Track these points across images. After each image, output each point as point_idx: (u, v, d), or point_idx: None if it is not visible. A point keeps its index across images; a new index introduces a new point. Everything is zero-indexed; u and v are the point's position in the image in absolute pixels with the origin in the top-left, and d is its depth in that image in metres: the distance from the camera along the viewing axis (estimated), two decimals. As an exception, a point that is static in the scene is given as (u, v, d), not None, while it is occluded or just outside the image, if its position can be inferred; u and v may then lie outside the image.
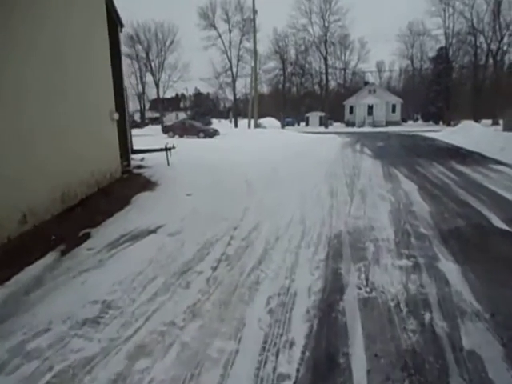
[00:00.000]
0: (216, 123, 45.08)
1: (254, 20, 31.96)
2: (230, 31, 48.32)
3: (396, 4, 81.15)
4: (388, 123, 45.39)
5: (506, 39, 42.96)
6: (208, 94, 62.06)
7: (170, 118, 54.64)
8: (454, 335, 2.67)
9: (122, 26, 10.01)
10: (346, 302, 3.17)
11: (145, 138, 24.94)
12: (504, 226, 5.01)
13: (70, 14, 6.43)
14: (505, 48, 43.92)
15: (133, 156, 12.21)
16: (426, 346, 2.55)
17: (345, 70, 57.46)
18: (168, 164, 10.80)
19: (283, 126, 43.14)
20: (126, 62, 51.13)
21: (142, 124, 53.08)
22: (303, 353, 2.51)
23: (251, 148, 16.01)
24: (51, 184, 5.59)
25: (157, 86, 54.38)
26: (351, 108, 49.11)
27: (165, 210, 6.37)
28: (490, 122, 36.72)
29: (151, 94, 58.45)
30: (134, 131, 36.76)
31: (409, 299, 3.18)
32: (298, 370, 2.34)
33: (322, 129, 42.74)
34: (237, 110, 50.18)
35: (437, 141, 19.93)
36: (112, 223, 5.75)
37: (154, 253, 4.42)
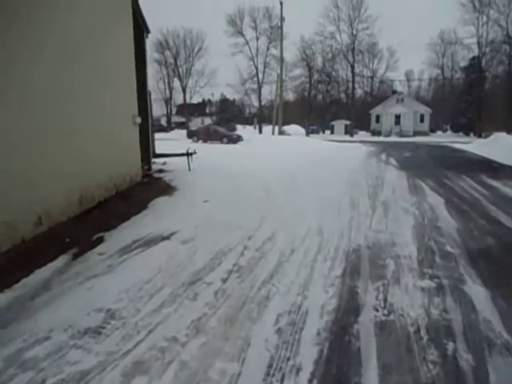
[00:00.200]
0: (241, 129, 45.20)
1: (281, 27, 32.00)
2: (258, 38, 48.60)
3: (427, 13, 79.71)
4: (415, 133, 44.28)
5: (543, 49, 41.30)
6: (234, 100, 62.44)
7: (196, 123, 55.24)
8: (481, 370, 2.41)
9: (148, 31, 10.10)
10: (361, 324, 2.95)
11: (169, 142, 25.19)
12: (539, 248, 4.65)
13: (88, 19, 6.45)
14: (542, 58, 42.21)
15: (155, 160, 12.29)
16: (447, 381, 2.31)
17: (372, 78, 56.69)
18: (189, 169, 10.78)
19: (308, 134, 42.83)
20: (154, 68, 52.36)
21: (168, 128, 53.84)
22: (310, 381, 2.31)
23: (273, 155, 15.86)
24: (68, 186, 5.61)
25: (184, 91, 55.29)
26: (378, 117, 48.25)
27: (181, 216, 6.28)
28: (524, 134, 35.22)
29: (178, 99, 59.45)
30: (160, 135, 37.44)
31: (430, 325, 2.92)
32: (303, 401, 2.15)
33: (347, 137, 42.13)
34: (262, 117, 50.22)
35: (467, 152, 19.21)
36: (127, 227, 5.71)
37: (164, 260, 4.31)
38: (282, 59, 33.70)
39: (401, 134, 43.81)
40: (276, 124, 35.24)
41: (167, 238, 5.16)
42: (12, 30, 4.57)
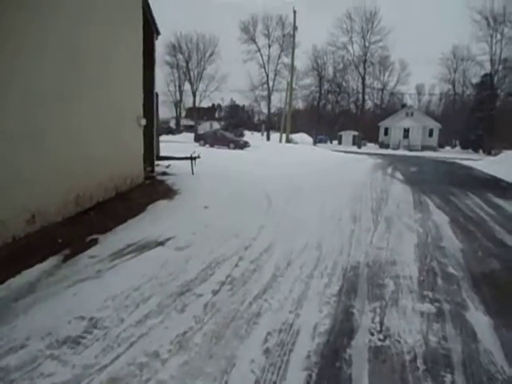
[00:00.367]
0: (249, 135, 45.18)
1: (293, 36, 32.06)
2: (270, 46, 48.76)
3: (440, 28, 79.65)
4: (424, 148, 43.96)
5: (556, 69, 40.92)
6: (243, 106, 62.60)
7: (205, 127, 55.33)
8: (479, 408, 2.24)
9: (158, 33, 10.08)
10: (355, 349, 2.79)
11: (177, 144, 25.19)
12: (546, 274, 4.45)
13: (90, 15, 6.34)
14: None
15: (159, 162, 12.22)
16: (443, 419, 2.14)
17: (383, 90, 56.49)
18: (192, 173, 10.69)
19: (315, 143, 42.70)
20: (166, 70, 52.69)
21: (177, 131, 54.04)
22: (295, 410, 2.16)
23: (279, 162, 15.74)
24: (64, 185, 5.51)
25: (194, 94, 55.50)
26: (386, 130, 48.00)
27: (178, 221, 6.17)
28: (534, 154, 34.75)
29: (188, 102, 59.67)
30: (168, 137, 37.57)
31: (428, 354, 2.75)
32: (285, 433, 2.00)
33: (355, 148, 41.91)
34: (270, 124, 50.22)
35: (475, 170, 18.94)
36: (122, 230, 5.60)
37: (156, 268, 4.18)
38: (292, 67, 33.73)
39: (409, 148, 43.51)
40: (284, 132, 35.18)
41: (162, 243, 5.03)
42: (16, 28, 4.53)
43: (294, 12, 32.73)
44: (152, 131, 10.24)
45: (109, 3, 6.99)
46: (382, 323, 3.16)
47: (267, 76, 48.94)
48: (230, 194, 8.48)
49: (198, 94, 55.59)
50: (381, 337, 2.96)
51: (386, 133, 48.02)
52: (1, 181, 4.24)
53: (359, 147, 44.71)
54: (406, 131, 45.90)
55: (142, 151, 9.06)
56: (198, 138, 30.85)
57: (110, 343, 2.72)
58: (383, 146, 46.52)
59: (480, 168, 19.47)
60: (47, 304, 3.24)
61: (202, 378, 2.36)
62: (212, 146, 28.04)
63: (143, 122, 8.77)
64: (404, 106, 51.47)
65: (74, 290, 3.52)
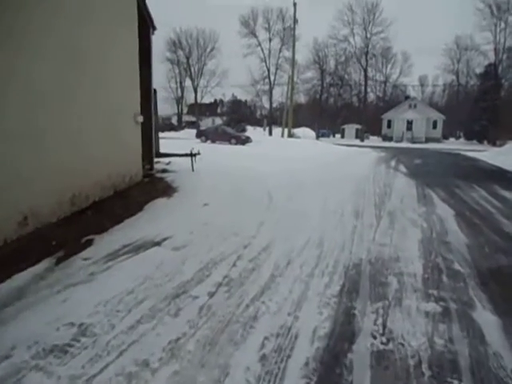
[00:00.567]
0: (251, 130, 44.95)
1: (294, 29, 31.74)
2: (270, 40, 48.48)
3: (443, 18, 78.63)
4: (428, 140, 43.56)
5: (562, 57, 40.30)
6: (246, 101, 62.30)
7: (207, 123, 55.17)
8: (489, 418, 2.10)
9: (154, 28, 9.90)
10: (356, 353, 2.65)
11: (178, 141, 25.06)
12: (556, 270, 4.28)
13: (89, 13, 6.25)
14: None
15: (159, 160, 12.09)
16: (450, 431, 2.00)
17: (385, 82, 56.03)
18: (192, 170, 10.56)
19: (317, 137, 42.43)
20: (166, 67, 52.46)
21: (179, 127, 53.88)
22: (291, 424, 2.02)
23: (281, 157, 15.56)
24: (59, 185, 5.39)
25: (195, 91, 55.35)
26: (389, 122, 47.60)
27: (176, 220, 6.04)
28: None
29: (189, 98, 59.47)
30: (170, 134, 37.38)
31: (433, 358, 2.61)
32: None
33: (358, 142, 41.60)
34: (272, 119, 49.97)
35: (480, 161, 18.67)
36: (119, 230, 5.48)
37: (151, 269, 4.05)
38: (293, 61, 33.43)
39: (412, 140, 43.13)
40: (286, 126, 34.93)
41: (159, 243, 4.91)
42: (16, 28, 4.49)
43: (295, 4, 32.39)
44: (151, 128, 10.09)
45: (106, 1, 6.85)
46: (384, 325, 3.01)
47: (268, 70, 48.72)
48: (230, 191, 8.34)
49: (199, 89, 55.49)
50: (383, 340, 2.82)
51: (388, 125, 47.62)
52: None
53: (362, 140, 44.38)
54: (410, 123, 45.48)
55: (141, 149, 8.92)
56: (199, 134, 30.66)
57: (99, 352, 2.59)
58: (386, 138, 46.16)
59: (485, 159, 19.20)
60: (36, 310, 3.12)
61: (193, 390, 2.23)
62: (214, 141, 27.87)
63: (140, 119, 8.62)
64: (407, 97, 50.96)
65: (64, 295, 3.40)
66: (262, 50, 48.50)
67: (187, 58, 54.62)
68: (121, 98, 7.61)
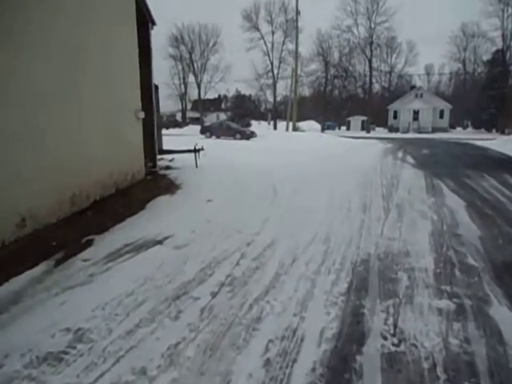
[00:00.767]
0: (256, 125, 44.65)
1: (296, 20, 31.33)
2: (273, 33, 47.84)
3: (448, 4, 77.30)
4: (435, 129, 42.91)
5: None
6: (250, 95, 61.88)
7: (211, 119, 54.93)
8: (512, 427, 1.94)
9: (153, 23, 9.73)
10: (366, 356, 2.50)
11: (182, 137, 24.97)
12: None
13: (89, 11, 6.14)
14: None
15: (163, 156, 11.99)
16: None
17: (390, 73, 55.16)
18: (196, 166, 10.43)
19: (323, 130, 42.05)
20: (170, 63, 52.26)
21: (183, 124, 53.72)
22: None
23: (286, 151, 15.38)
24: (59, 184, 5.29)
25: (198, 86, 55.00)
26: (395, 113, 46.97)
27: (179, 218, 5.92)
28: (550, 131, 33.66)
29: (193, 94, 59.19)
30: (175, 130, 37.22)
31: (448, 360, 2.45)
32: None
33: (364, 134, 41.16)
34: (277, 112, 49.58)
35: (489, 150, 18.28)
36: (120, 229, 5.37)
37: (152, 269, 3.93)
38: (297, 53, 33.02)
39: (419, 131, 42.55)
40: (290, 120, 34.63)
41: (160, 242, 4.79)
42: (16, 28, 4.46)
43: (296, -4, 31.90)
44: (152, 125, 9.95)
45: (105, 0, 6.73)
46: (395, 325, 2.86)
47: (272, 64, 48.15)
48: (234, 186, 8.20)
49: (202, 85, 55.12)
50: (395, 341, 2.66)
51: (395, 116, 47.01)
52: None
53: (368, 132, 43.91)
54: (416, 113, 44.85)
55: (142, 146, 8.80)
56: (204, 130, 30.49)
57: (95, 359, 2.47)
58: (392, 129, 45.57)
59: (494, 148, 18.80)
60: (32, 315, 3.01)
61: (192, 400, 2.10)
62: (218, 137, 27.72)
63: (141, 114, 8.50)
64: (413, 87, 50.19)
65: (62, 298, 3.29)
66: (265, 43, 47.95)
67: (190, 54, 54.25)
68: (121, 95, 7.49)
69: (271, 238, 4.88)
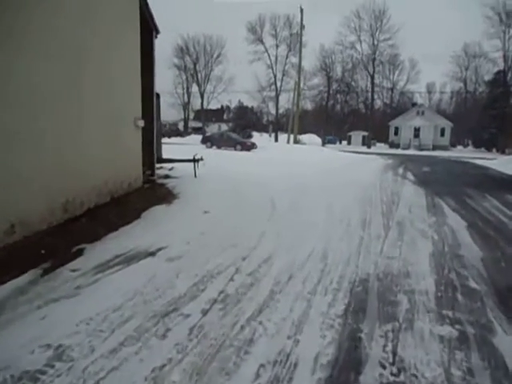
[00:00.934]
0: (257, 136, 44.75)
1: (300, 34, 31.62)
2: (277, 46, 48.36)
3: (451, 25, 78.30)
4: (435, 147, 42.97)
5: None
6: (252, 107, 62.21)
7: (212, 129, 55.10)
8: None
9: (157, 31, 9.72)
10: (363, 386, 2.34)
11: (183, 147, 24.90)
12: None
13: (91, 12, 6.09)
14: None
15: (162, 165, 11.88)
16: None
17: (392, 89, 55.58)
18: (195, 176, 10.33)
19: (324, 144, 42.11)
20: (174, 73, 52.64)
21: (185, 133, 53.85)
22: None
23: (286, 163, 15.30)
24: (51, 191, 5.15)
25: (202, 96, 55.36)
26: (396, 129, 47.11)
27: (174, 228, 5.77)
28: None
29: (196, 104, 59.51)
30: (176, 139, 37.22)
31: (451, 394, 2.29)
32: None
33: (364, 149, 41.17)
34: (278, 125, 49.77)
35: (490, 170, 18.23)
36: (112, 239, 5.22)
37: (142, 282, 3.78)
38: (300, 67, 33.27)
39: (420, 148, 42.60)
40: (292, 133, 34.70)
41: (153, 254, 4.64)
42: (16, 28, 4.40)
43: (301, 10, 32.31)
44: (152, 133, 9.86)
45: (107, 2, 6.69)
46: (394, 352, 2.70)
47: (275, 76, 48.56)
48: (232, 197, 8.08)
49: (205, 95, 55.52)
50: (394, 370, 2.50)
51: (396, 132, 47.13)
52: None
53: (369, 147, 43.95)
54: (417, 130, 44.96)
55: (141, 153, 8.70)
56: (205, 140, 30.49)
57: (74, 380, 2.31)
58: (393, 145, 45.66)
59: (495, 167, 18.76)
60: (11, 330, 2.85)
61: (174, 432, 1.94)
62: (219, 147, 27.67)
63: (141, 123, 8.41)
64: (414, 104, 50.45)
65: (43, 312, 3.13)
66: (269, 56, 48.44)
67: (194, 64, 54.74)
68: (122, 101, 7.41)
69: (268, 252, 4.74)
